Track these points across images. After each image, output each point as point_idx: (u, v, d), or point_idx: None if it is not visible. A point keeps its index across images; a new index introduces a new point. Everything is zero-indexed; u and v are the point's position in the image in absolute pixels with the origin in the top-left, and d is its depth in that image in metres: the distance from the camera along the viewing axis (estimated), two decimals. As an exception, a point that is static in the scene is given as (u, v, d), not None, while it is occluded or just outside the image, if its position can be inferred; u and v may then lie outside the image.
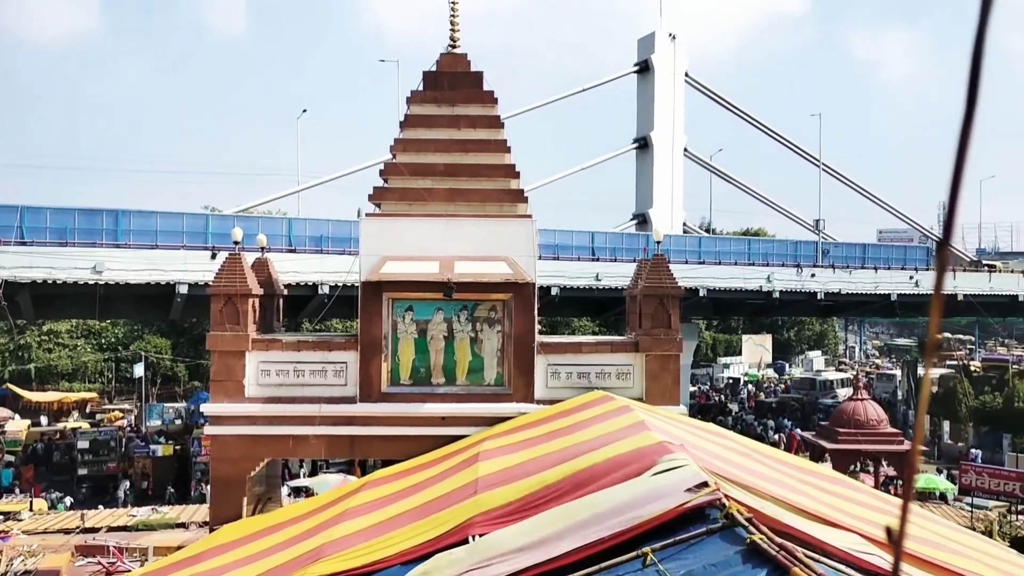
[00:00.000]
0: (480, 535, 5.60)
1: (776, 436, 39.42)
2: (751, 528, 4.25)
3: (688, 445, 6.81)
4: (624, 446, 6.89)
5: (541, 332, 11.56)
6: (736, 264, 39.10)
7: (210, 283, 10.97)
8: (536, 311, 11.05)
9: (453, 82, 12.13)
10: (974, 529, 17.38)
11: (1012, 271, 55.81)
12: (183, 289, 25.11)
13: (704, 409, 48.23)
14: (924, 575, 5.49)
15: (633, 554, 4.44)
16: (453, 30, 12.31)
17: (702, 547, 4.37)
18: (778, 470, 7.93)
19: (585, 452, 7.10)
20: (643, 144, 43.84)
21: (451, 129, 11.90)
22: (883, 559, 5.03)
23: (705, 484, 5.15)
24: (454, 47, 12.35)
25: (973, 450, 36.41)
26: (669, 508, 5.00)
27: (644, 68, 43.71)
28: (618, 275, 31.53)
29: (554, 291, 31.84)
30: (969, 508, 21.36)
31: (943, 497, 25.18)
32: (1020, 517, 20.65)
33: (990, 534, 17.46)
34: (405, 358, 10.87)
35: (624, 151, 45.23)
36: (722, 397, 54.51)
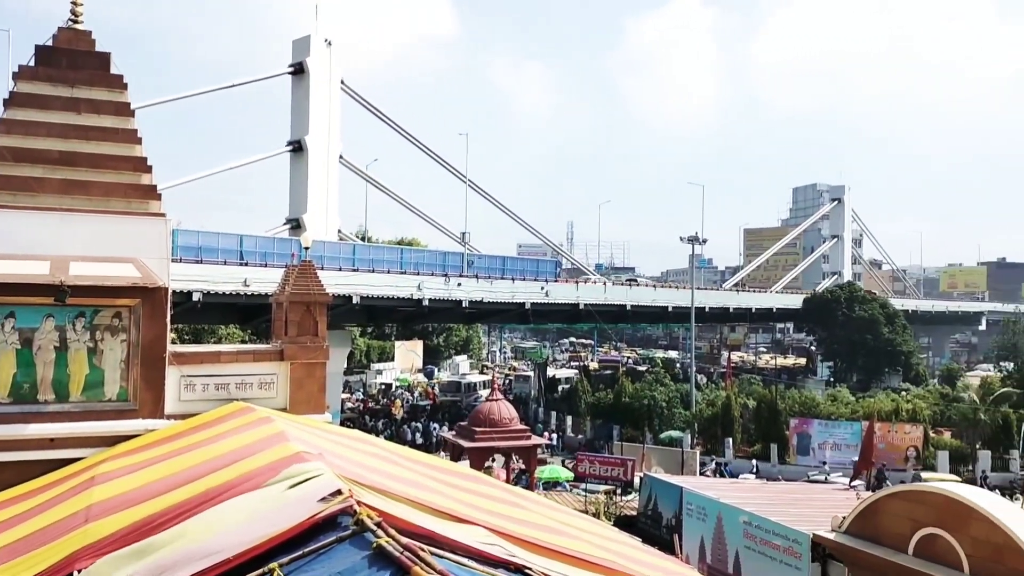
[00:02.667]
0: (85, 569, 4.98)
1: (422, 439, 40.96)
2: (379, 532, 4.30)
3: (328, 454, 6.73)
4: (261, 459, 6.60)
5: (178, 341, 10.70)
6: (389, 272, 40.03)
7: None
8: (169, 318, 10.18)
9: (73, 61, 10.74)
10: (587, 512, 19.68)
11: (649, 284, 64.30)
12: None
13: (372, 414, 48.64)
14: (539, 559, 5.96)
15: (258, 572, 4.25)
16: (75, 3, 10.93)
17: (331, 556, 4.33)
18: (416, 472, 8.16)
19: (219, 468, 6.68)
20: (298, 147, 43.04)
21: (69, 113, 10.52)
22: (505, 549, 5.39)
23: (339, 492, 5.11)
24: (76, 22, 10.95)
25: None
26: (302, 519, 4.87)
27: (299, 70, 42.97)
28: (268, 281, 30.49)
29: (196, 296, 29.81)
30: (584, 493, 24.15)
31: (564, 485, 28.17)
32: (623, 498, 23.87)
33: (598, 515, 19.90)
34: (3, 373, 9.34)
35: (278, 153, 44.00)
36: (388, 402, 55.40)
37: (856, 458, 27.89)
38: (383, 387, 61.48)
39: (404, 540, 4.27)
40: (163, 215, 10.75)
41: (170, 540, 5.13)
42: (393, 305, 41.05)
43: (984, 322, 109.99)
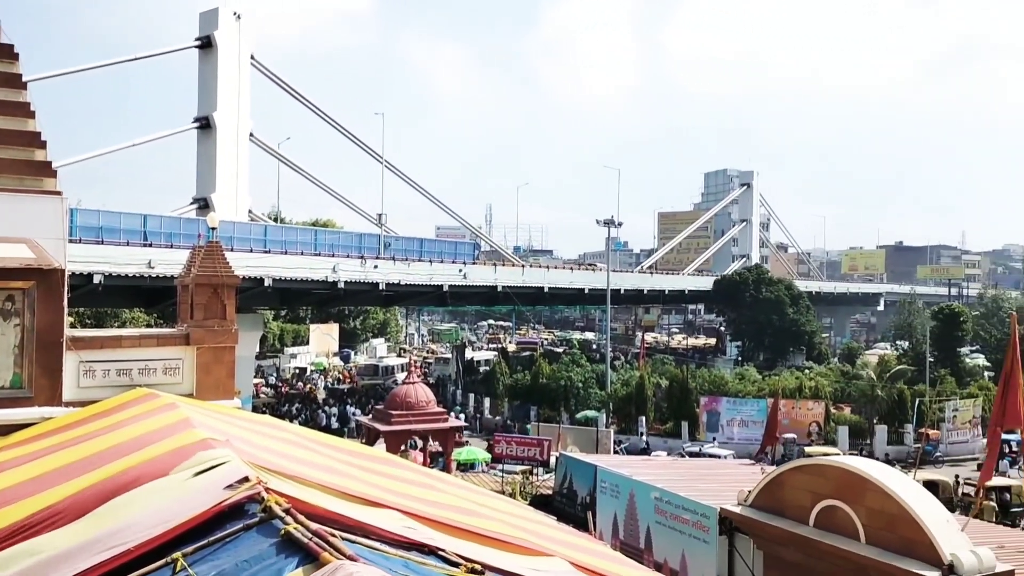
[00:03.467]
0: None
1: (338, 423, 40.48)
2: (287, 519, 4.23)
3: (236, 440, 6.56)
4: (165, 447, 6.39)
5: (79, 325, 10.21)
6: (303, 254, 39.23)
7: None
8: (66, 301, 9.72)
9: (-44, 27, 10.07)
10: (503, 492, 19.85)
11: (597, 269, 64.76)
12: None
13: (290, 399, 47.73)
14: (453, 540, 5.97)
15: (161, 562, 4.12)
16: (-42, -37, 10.23)
17: (238, 544, 4.22)
18: (329, 456, 8.05)
19: (119, 456, 6.42)
20: (205, 124, 41.54)
21: (-47, 83, 9.89)
22: (419, 531, 5.37)
23: (247, 479, 4.99)
24: (-41, -16, 10.25)
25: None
26: (206, 508, 4.73)
27: (207, 44, 41.40)
28: (174, 262, 29.42)
29: (97, 279, 28.59)
30: (501, 474, 24.34)
31: (481, 467, 28.33)
32: (539, 478, 24.18)
33: (514, 495, 20.10)
34: None
35: (184, 130, 42.39)
36: (311, 387, 54.42)
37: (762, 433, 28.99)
38: (297, 371, 60.41)
39: (313, 526, 4.21)
40: (59, 193, 10.23)
41: (64, 535, 4.93)
42: (307, 288, 40.27)
43: (882, 303, 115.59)
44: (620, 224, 52.60)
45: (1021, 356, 12.95)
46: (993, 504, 25.26)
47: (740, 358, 65.28)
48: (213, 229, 11.46)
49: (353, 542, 4.37)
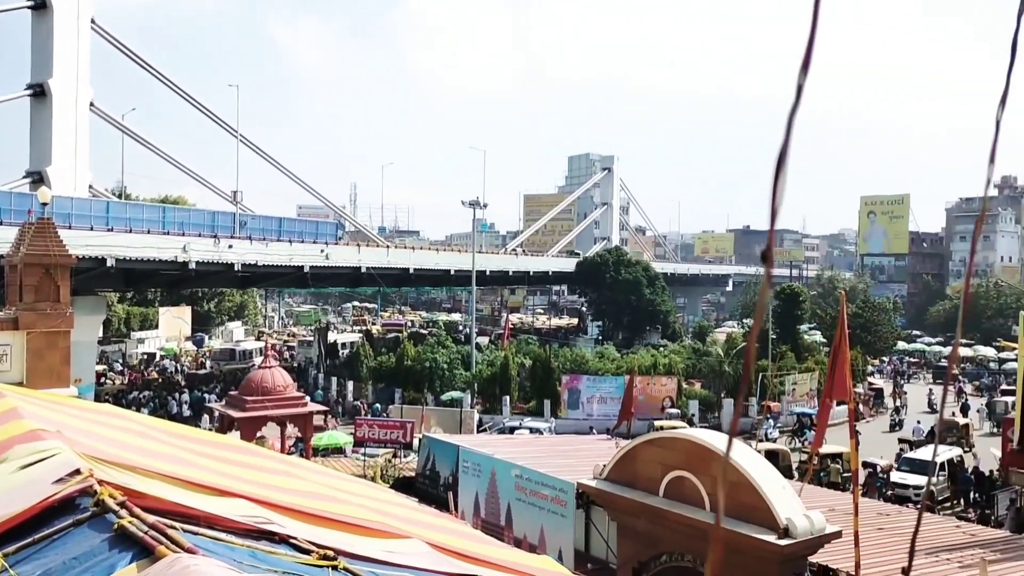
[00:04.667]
0: None
1: (190, 411, 38.72)
2: (121, 512, 3.99)
3: (69, 430, 6.13)
4: (-14, 440, 5.88)
5: None
6: (150, 233, 37.07)
7: None
8: None
9: None
10: (364, 476, 19.68)
11: (464, 250, 64.09)
12: None
13: (140, 386, 45.09)
14: (307, 527, 5.84)
15: (-22, 564, 3.79)
16: None
17: (67, 541, 3.95)
18: (174, 446, 7.68)
19: (-67, 452, 5.86)
20: (40, 92, 38.39)
21: None
22: (269, 520, 5.22)
23: (78, 471, 4.67)
24: None
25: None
26: (32, 504, 4.40)
27: (41, 5, 38.19)
28: (4, 241, 27.17)
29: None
30: (363, 458, 24.10)
31: (343, 451, 27.94)
32: (402, 460, 24.13)
33: (375, 478, 19.97)
34: None
35: (16, 97, 39.02)
36: (166, 374, 51.50)
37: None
38: (145, 357, 57.22)
39: (151, 519, 4.00)
40: None
41: None
42: (155, 268, 38.11)
43: (731, 283, 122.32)
44: (486, 206, 52.88)
45: (848, 332, 14.05)
46: (839, 467, 27.35)
47: (600, 337, 67.32)
48: (45, 205, 10.63)
49: (195, 534, 4.19)
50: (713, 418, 39.53)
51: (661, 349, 52.00)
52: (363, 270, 50.40)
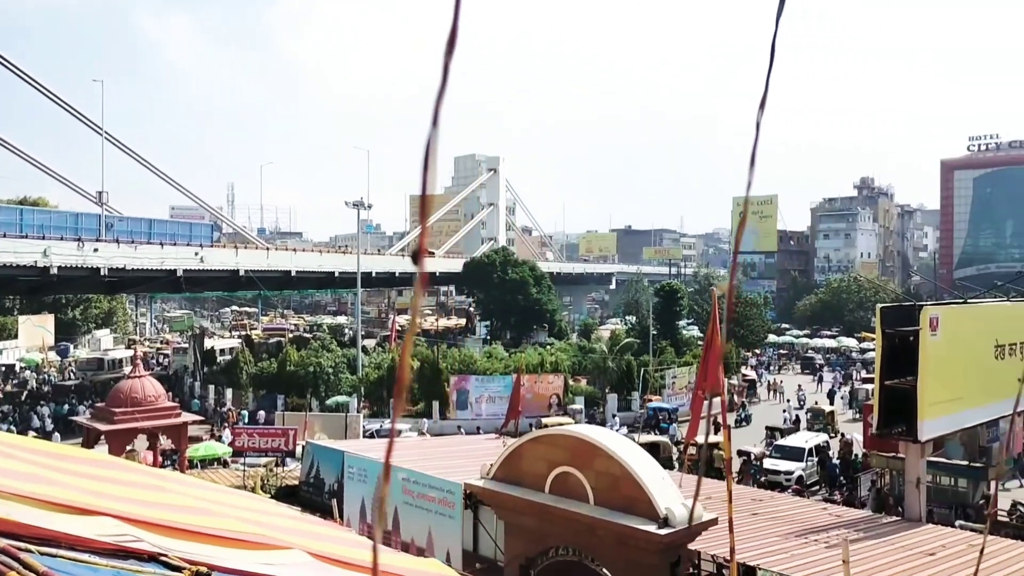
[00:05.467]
0: None
1: (53, 425, 36.32)
2: (-33, 538, 3.69)
3: (-94, 452, 5.64)
4: None
5: None
6: (6, 236, 34.61)
7: None
8: None
9: None
10: (244, 487, 19.03)
11: (348, 251, 62.44)
12: None
13: (7, 399, 41.92)
14: (180, 543, 5.59)
15: None
16: None
17: (-98, 574, 3.63)
18: (32, 463, 7.19)
19: None
20: None
21: None
22: (137, 537, 4.96)
23: (-84, 498, 4.30)
24: None
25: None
26: None
27: None
28: None
29: None
30: (243, 468, 23.28)
31: (224, 462, 26.88)
32: (284, 468, 23.47)
33: (255, 489, 19.36)
34: None
35: None
36: (45, 384, 47.97)
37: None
38: (3, 369, 53.33)
39: (2, 542, 3.72)
40: None
41: None
42: (12, 274, 35.54)
43: (614, 282, 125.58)
44: (371, 206, 52.09)
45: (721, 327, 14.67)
46: (722, 452, 28.42)
47: (489, 337, 67.64)
48: None
49: (52, 556, 3.93)
50: (599, 413, 40.44)
51: (548, 347, 52.73)
52: (241, 273, 48.73)
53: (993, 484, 25.39)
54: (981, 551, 11.58)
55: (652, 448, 27.63)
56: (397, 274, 70.55)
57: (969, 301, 21.81)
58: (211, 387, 44.54)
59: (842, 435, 33.08)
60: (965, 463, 24.94)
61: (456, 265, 78.44)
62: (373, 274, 62.83)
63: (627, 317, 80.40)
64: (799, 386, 51.56)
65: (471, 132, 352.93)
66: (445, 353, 45.47)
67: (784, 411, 40.97)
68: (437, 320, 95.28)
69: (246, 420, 36.64)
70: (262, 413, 38.84)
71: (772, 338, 74.15)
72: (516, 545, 13.15)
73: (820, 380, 54.78)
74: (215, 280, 51.09)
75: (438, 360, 41.83)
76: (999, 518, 23.22)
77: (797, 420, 38.63)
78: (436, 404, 39.34)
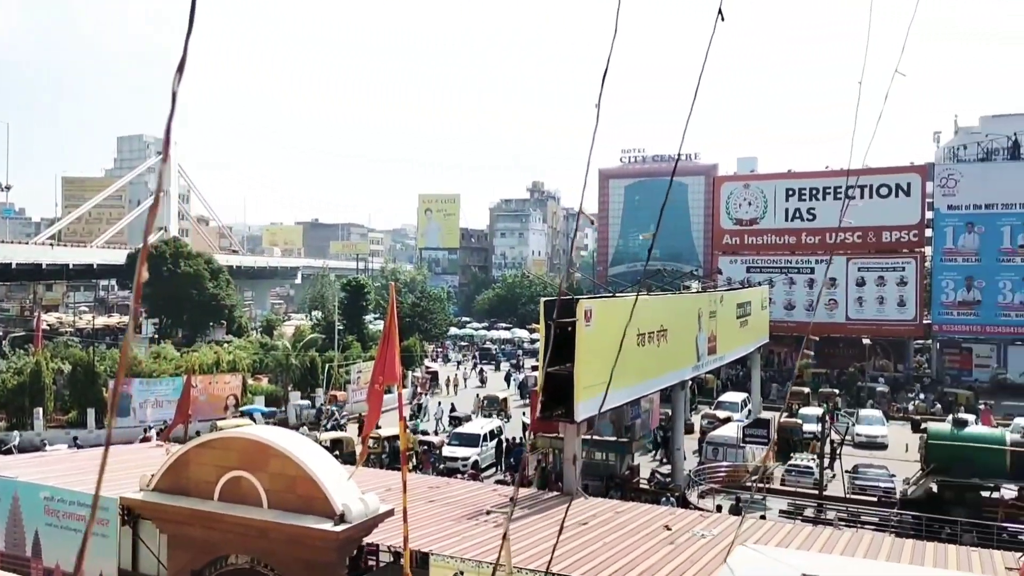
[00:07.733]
0: None
1: None
2: None
3: None
4: None
5: None
6: None
7: None
8: None
9: None
10: None
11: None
12: None
13: None
14: None
15: None
16: None
17: None
18: None
19: None
20: None
21: None
22: None
23: None
24: None
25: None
26: None
27: None
28: None
29: None
30: None
31: None
32: None
33: None
34: None
35: None
36: None
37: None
38: None
39: None
40: None
41: None
42: None
43: (300, 276, 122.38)
44: (9, 188, 45.37)
45: (405, 320, 14.96)
46: (399, 445, 28.75)
47: (157, 336, 62.32)
48: None
49: None
50: (281, 413, 39.13)
51: (226, 345, 49.86)
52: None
53: (636, 456, 28.95)
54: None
55: (335, 444, 27.39)
56: (44, 266, 62.14)
57: (617, 295, 24.54)
58: None
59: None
60: (613, 439, 28.08)
61: (119, 256, 71.16)
62: (13, 265, 54.74)
63: (313, 312, 78.82)
64: (481, 374, 54.40)
65: (139, 110, 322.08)
66: (103, 354, 41.00)
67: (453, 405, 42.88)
68: (94, 318, 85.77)
69: None
70: None
71: (454, 331, 77.35)
72: (181, 558, 12.21)
73: (497, 369, 58.36)
74: None
75: (94, 362, 37.59)
76: (640, 485, 26.56)
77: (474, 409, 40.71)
78: (92, 412, 35.31)
